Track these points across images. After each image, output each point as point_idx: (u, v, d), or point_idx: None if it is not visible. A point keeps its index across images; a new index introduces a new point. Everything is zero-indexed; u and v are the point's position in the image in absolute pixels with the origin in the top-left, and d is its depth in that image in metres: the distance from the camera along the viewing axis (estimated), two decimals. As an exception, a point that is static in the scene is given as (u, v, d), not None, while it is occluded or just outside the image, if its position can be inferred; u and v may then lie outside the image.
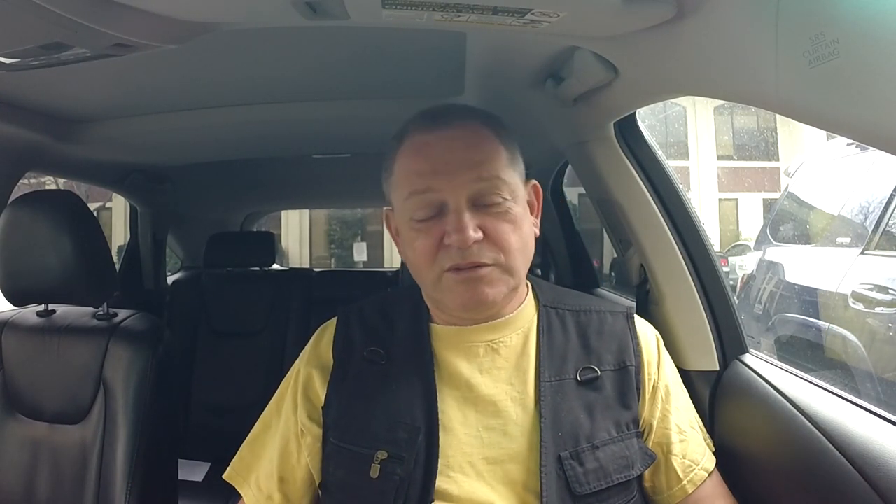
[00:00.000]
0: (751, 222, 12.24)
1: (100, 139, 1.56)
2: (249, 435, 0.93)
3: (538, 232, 0.88)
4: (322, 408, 0.87)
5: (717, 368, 1.05)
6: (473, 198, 0.80)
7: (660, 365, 0.90)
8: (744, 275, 4.31)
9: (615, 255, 1.34)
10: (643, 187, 1.09)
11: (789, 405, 0.85)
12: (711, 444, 0.91)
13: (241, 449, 0.93)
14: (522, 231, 0.82)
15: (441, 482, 0.79)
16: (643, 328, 0.93)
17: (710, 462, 0.88)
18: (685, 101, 12.22)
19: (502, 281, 0.81)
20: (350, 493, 0.81)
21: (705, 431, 0.92)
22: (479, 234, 0.78)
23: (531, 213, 0.88)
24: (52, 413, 1.25)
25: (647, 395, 0.88)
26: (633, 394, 0.86)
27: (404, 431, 0.81)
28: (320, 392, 0.88)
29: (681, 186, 1.11)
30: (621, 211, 1.12)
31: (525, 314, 0.89)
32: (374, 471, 0.79)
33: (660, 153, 1.13)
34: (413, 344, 0.87)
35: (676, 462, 0.86)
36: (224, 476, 0.92)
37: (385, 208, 0.91)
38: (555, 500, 0.77)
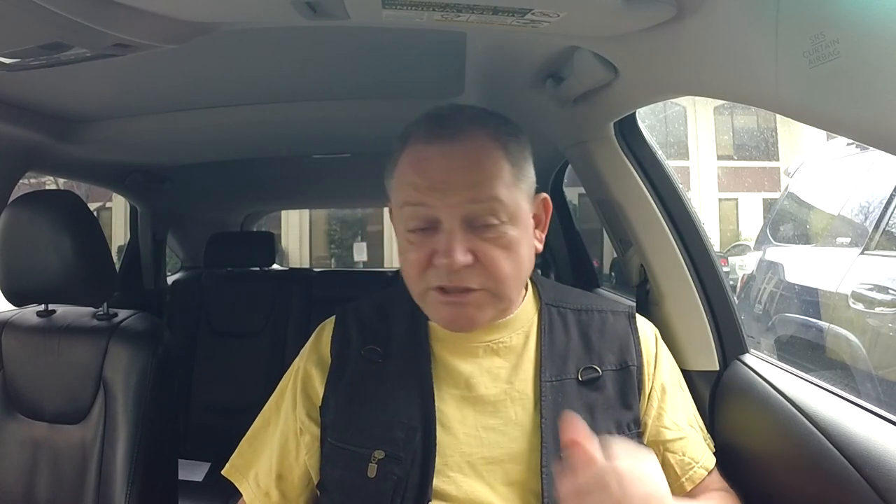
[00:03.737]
0: (751, 222, 12.24)
1: (100, 139, 1.56)
2: (249, 431, 0.93)
3: (540, 247, 0.86)
4: (320, 407, 0.87)
5: (717, 368, 1.05)
6: (467, 219, 0.78)
7: (657, 363, 0.90)
8: (744, 275, 4.31)
9: (615, 255, 1.34)
10: (643, 187, 1.09)
11: (789, 405, 0.85)
12: (711, 444, 0.91)
13: (240, 445, 0.93)
14: (518, 255, 0.80)
15: (439, 482, 0.79)
16: (644, 327, 0.92)
17: (709, 461, 0.88)
18: (685, 101, 12.22)
19: (490, 305, 0.81)
20: (347, 492, 0.81)
21: (705, 431, 0.92)
22: (469, 259, 0.77)
23: (537, 226, 0.86)
24: (52, 413, 1.25)
25: (646, 395, 0.87)
26: (635, 394, 0.86)
27: (401, 431, 0.81)
28: (319, 390, 0.88)
29: (681, 186, 1.11)
30: (621, 211, 1.12)
31: (525, 313, 0.89)
32: (372, 470, 0.79)
33: (660, 153, 1.13)
34: (411, 343, 0.87)
35: (674, 459, 0.86)
36: (223, 472, 0.91)
37: (390, 204, 0.89)
38: (556, 501, 0.77)
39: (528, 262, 0.83)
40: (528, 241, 0.83)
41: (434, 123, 0.82)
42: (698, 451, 0.88)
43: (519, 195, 0.81)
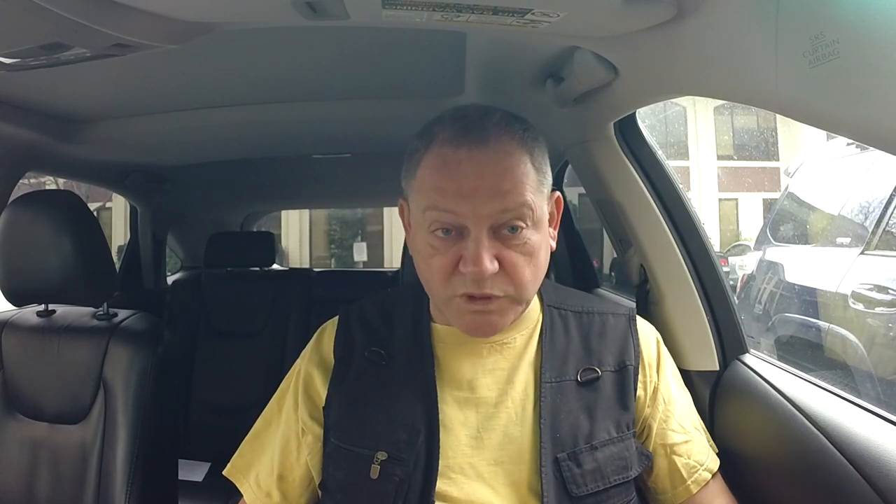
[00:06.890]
0: (751, 222, 12.24)
1: (100, 139, 1.56)
2: (250, 432, 0.93)
3: (554, 245, 0.86)
4: (323, 408, 0.87)
5: (717, 368, 1.05)
6: (494, 226, 0.77)
7: (660, 367, 0.90)
8: (744, 275, 4.31)
9: (615, 255, 1.34)
10: (643, 187, 1.09)
11: (789, 405, 0.85)
12: (714, 446, 0.91)
13: (241, 445, 0.93)
14: (538, 260, 0.80)
15: (442, 484, 0.79)
16: (644, 329, 0.93)
17: (714, 463, 0.88)
18: (685, 101, 12.22)
19: (511, 310, 0.80)
20: (350, 493, 0.81)
21: (708, 433, 0.92)
22: (496, 266, 0.75)
23: (550, 223, 0.85)
24: (52, 413, 1.25)
25: (647, 397, 0.87)
26: (631, 394, 0.86)
27: (404, 432, 0.81)
28: (321, 391, 0.88)
29: (681, 186, 1.11)
30: (621, 211, 1.12)
31: (530, 315, 0.89)
32: (374, 472, 0.79)
33: (660, 153, 1.13)
34: (414, 344, 0.87)
35: (681, 463, 0.86)
36: (224, 472, 0.92)
37: (400, 199, 0.88)
38: (553, 502, 0.77)
39: (545, 265, 0.83)
40: (546, 243, 0.82)
41: (462, 126, 0.79)
42: (703, 453, 0.88)
43: (542, 199, 0.81)
